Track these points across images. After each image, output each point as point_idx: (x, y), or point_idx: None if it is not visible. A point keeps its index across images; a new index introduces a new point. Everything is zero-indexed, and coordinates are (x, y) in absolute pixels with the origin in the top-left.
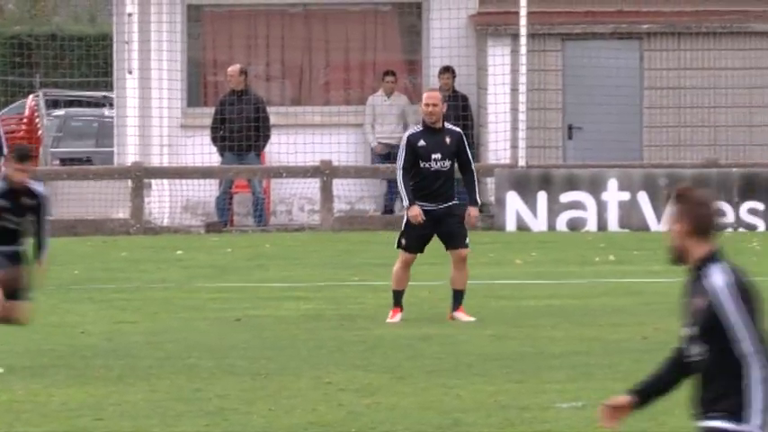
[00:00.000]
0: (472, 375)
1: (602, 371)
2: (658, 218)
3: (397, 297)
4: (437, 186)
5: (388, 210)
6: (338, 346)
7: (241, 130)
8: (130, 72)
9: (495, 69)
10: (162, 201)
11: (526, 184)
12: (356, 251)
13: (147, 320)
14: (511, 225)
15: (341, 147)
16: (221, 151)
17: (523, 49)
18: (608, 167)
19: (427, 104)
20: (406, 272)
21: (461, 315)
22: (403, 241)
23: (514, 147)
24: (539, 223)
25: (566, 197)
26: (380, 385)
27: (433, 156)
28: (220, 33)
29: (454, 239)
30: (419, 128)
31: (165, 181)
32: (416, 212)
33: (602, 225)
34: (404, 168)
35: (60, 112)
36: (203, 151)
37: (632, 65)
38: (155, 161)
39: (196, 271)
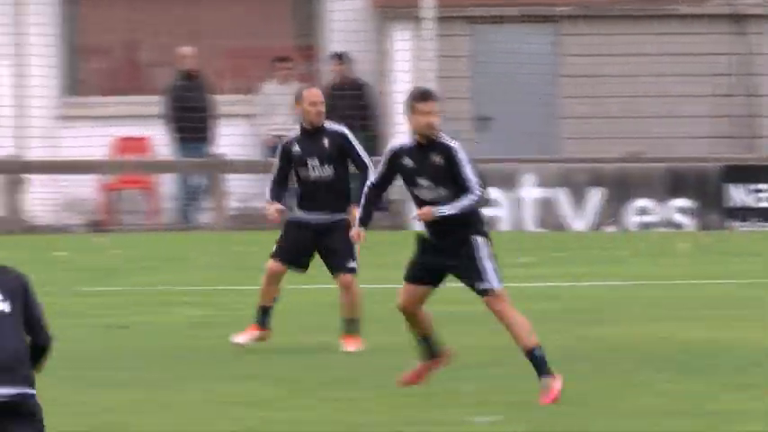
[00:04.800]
0: (376, 388)
1: (515, 383)
2: (578, 216)
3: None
4: (317, 196)
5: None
6: (229, 355)
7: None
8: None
9: (398, 55)
10: (40, 197)
11: None
12: (250, 252)
13: None
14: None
15: (231, 139)
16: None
17: (431, 34)
18: (524, 162)
19: (315, 103)
20: (271, 285)
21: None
22: (274, 247)
23: None
24: None
25: None
26: (275, 397)
27: (310, 162)
28: (101, 16)
29: (336, 261)
30: (295, 132)
31: (44, 176)
32: (271, 211)
33: (516, 224)
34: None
35: None
36: (84, 144)
37: (546, 50)
38: (32, 154)
39: (78, 274)
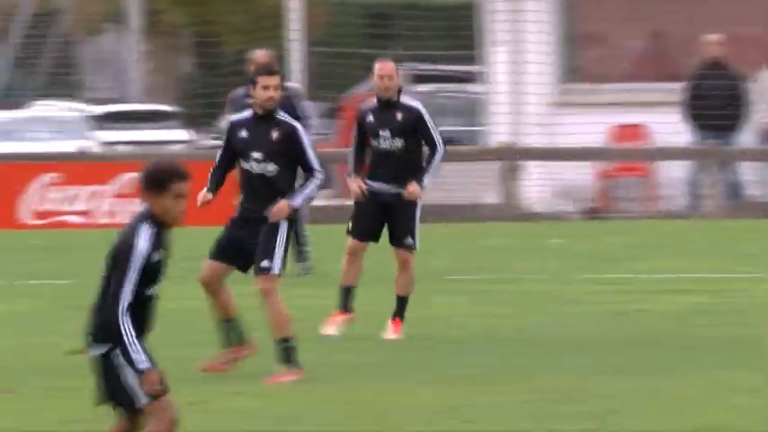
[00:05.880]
0: None
1: None
2: None
3: (343, 296)
4: (386, 167)
5: None
6: (724, 343)
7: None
8: (497, 45)
9: None
10: (536, 184)
11: None
12: (744, 240)
13: (521, 314)
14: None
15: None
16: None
17: None
18: None
19: (381, 76)
20: (353, 264)
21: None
22: (349, 224)
23: None
24: None
25: None
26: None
27: (381, 133)
28: (596, 3)
29: (395, 235)
30: (372, 102)
31: (540, 163)
32: (355, 186)
33: None
34: (353, 145)
35: (424, 87)
36: (580, 131)
37: None
38: (528, 141)
39: (573, 261)
